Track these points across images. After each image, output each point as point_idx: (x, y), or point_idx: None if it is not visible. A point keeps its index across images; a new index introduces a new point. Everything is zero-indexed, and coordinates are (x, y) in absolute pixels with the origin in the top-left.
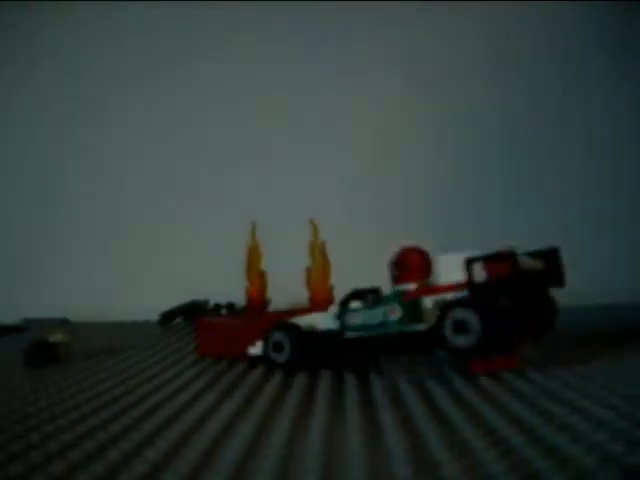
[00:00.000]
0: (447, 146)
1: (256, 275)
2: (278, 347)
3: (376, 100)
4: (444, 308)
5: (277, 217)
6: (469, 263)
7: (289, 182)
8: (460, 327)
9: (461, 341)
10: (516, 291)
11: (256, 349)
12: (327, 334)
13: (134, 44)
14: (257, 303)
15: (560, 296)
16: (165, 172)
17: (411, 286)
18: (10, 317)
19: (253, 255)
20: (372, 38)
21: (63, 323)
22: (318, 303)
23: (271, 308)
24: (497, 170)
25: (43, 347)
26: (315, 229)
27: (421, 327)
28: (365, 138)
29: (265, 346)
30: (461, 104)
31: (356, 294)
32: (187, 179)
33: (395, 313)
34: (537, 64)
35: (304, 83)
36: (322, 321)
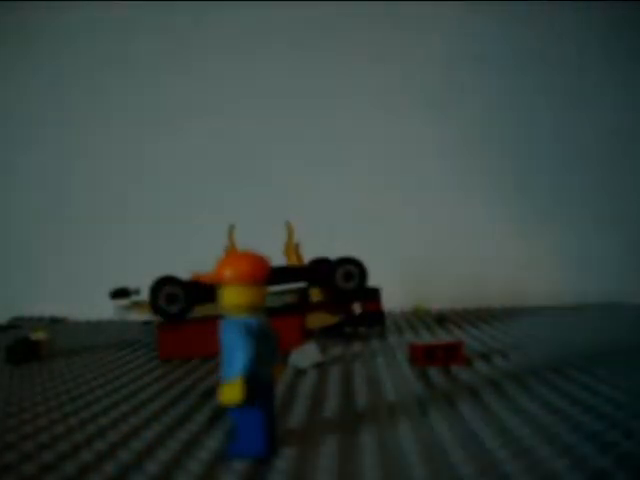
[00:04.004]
0: (443, 156)
1: None
2: None
3: (364, 104)
4: None
5: (255, 218)
6: None
7: (270, 184)
8: None
9: None
10: None
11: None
12: None
13: (127, 44)
14: None
15: None
16: (164, 172)
17: None
18: (2, 316)
19: None
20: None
21: (53, 322)
22: None
23: None
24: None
25: (24, 344)
26: (290, 230)
27: None
28: (352, 145)
29: None
30: (457, 106)
31: None
32: (174, 183)
33: None
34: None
35: (292, 88)
36: None
